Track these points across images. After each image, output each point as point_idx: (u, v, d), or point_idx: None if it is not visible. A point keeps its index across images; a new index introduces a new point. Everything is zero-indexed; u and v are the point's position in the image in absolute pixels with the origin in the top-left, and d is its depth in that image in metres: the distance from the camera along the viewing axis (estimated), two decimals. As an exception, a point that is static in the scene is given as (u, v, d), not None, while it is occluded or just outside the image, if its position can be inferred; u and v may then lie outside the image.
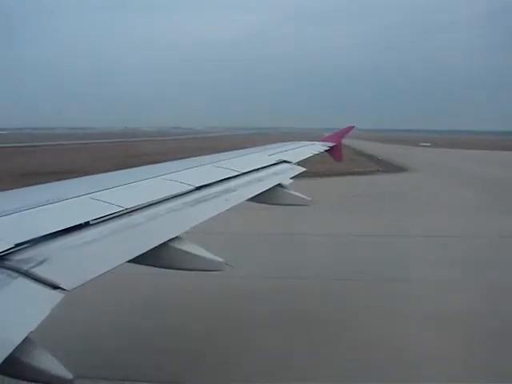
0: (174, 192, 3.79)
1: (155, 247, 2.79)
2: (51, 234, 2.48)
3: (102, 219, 2.89)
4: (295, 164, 6.61)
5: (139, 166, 5.73)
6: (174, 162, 5.85)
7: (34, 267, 2.13)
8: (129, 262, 2.59)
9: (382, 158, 43.73)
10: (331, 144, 10.04)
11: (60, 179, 4.75)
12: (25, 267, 2.10)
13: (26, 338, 1.74)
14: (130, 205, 3.20)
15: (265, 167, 5.79)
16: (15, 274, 2.04)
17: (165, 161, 6.18)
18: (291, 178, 5.74)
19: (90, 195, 3.28)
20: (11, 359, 1.64)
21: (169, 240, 2.94)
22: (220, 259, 3.12)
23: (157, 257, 2.86)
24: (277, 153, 7.20)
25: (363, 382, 6.21)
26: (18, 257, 2.18)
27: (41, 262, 2.19)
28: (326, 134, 11.96)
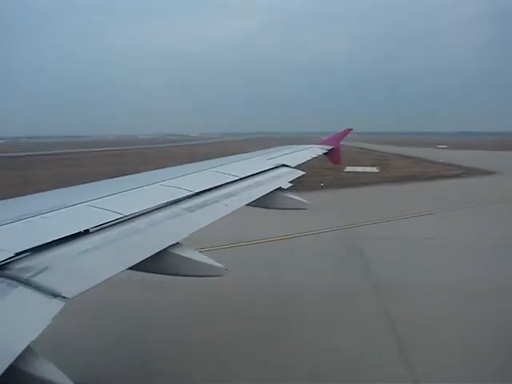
0: (174, 198, 3.78)
1: (155, 254, 2.78)
2: (51, 242, 2.48)
3: (101, 227, 2.89)
4: (294, 168, 6.62)
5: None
6: (173, 168, 5.84)
7: (34, 276, 2.12)
8: (129, 269, 2.59)
9: (442, 161, 41.85)
10: (329, 147, 10.06)
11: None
12: (25, 276, 2.10)
13: (28, 347, 1.73)
14: (129, 212, 3.19)
15: (264, 171, 5.79)
16: (16, 283, 2.03)
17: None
18: (290, 181, 5.74)
19: (89, 203, 3.27)
20: (13, 369, 1.63)
21: (169, 246, 2.93)
22: (220, 265, 3.12)
23: (157, 263, 2.85)
24: (275, 157, 7.21)
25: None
26: (18, 265, 2.18)
27: (41, 271, 2.18)
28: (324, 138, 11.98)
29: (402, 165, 39.82)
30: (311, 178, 27.90)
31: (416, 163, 41.73)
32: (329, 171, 30.57)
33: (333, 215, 17.78)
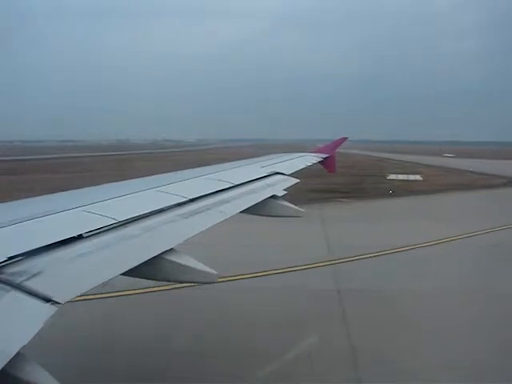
0: (168, 204, 3.79)
1: (149, 259, 2.78)
2: (44, 246, 2.47)
3: (95, 232, 2.89)
4: (289, 175, 6.64)
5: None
6: (167, 174, 5.86)
7: (26, 280, 2.12)
8: (122, 274, 2.59)
9: (473, 170, 40.04)
10: (324, 155, 10.10)
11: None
12: (17, 280, 2.09)
13: (19, 352, 1.73)
14: (123, 217, 3.19)
15: (258, 179, 5.81)
16: (8, 287, 2.03)
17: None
18: (284, 189, 5.76)
19: (83, 208, 3.27)
20: (3, 374, 1.62)
21: (163, 252, 2.93)
22: (213, 271, 3.12)
23: (151, 269, 2.85)
24: (270, 164, 7.24)
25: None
26: (10, 270, 2.17)
27: (34, 275, 2.18)
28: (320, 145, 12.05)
29: (434, 173, 38.49)
30: (361, 186, 28.13)
31: (447, 172, 40.04)
32: (374, 179, 31.15)
33: (447, 221, 16.90)
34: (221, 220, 3.90)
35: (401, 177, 34.08)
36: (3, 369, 1.61)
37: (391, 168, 44.21)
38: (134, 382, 6.11)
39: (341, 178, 32.35)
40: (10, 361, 1.65)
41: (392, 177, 33.38)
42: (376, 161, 57.13)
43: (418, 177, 34.92)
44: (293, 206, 5.42)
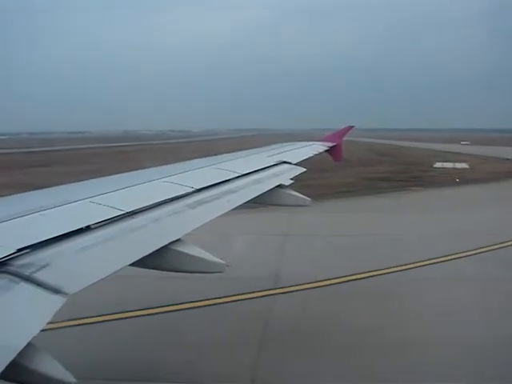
0: (175, 194, 3.80)
1: (157, 250, 2.79)
2: (52, 238, 2.49)
3: (102, 223, 2.90)
4: (295, 165, 6.62)
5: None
6: (173, 165, 5.86)
7: (35, 272, 2.13)
8: (130, 265, 2.60)
9: (510, 158, 37.60)
10: (331, 144, 10.05)
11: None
12: (27, 272, 2.11)
13: (29, 343, 1.75)
14: (130, 208, 3.20)
15: (265, 168, 5.80)
16: (17, 279, 2.05)
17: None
18: (291, 178, 5.75)
19: (90, 199, 3.29)
20: (14, 365, 1.64)
21: (170, 243, 2.95)
22: (221, 261, 3.13)
23: (158, 260, 2.87)
24: (276, 154, 7.21)
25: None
26: (19, 262, 2.19)
27: (42, 267, 2.20)
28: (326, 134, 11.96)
29: (475, 161, 36.26)
30: (413, 174, 26.96)
31: (485, 160, 37.77)
32: (420, 167, 30.26)
33: None
34: (227, 210, 3.91)
35: (447, 165, 32.78)
36: (14, 359, 1.63)
37: (422, 156, 42.77)
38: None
39: (383, 166, 31.75)
40: (20, 351, 1.67)
41: (438, 165, 32.27)
42: (399, 149, 54.69)
43: (464, 165, 33.22)
44: (299, 194, 5.41)
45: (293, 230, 13.78)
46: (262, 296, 8.69)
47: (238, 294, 8.49)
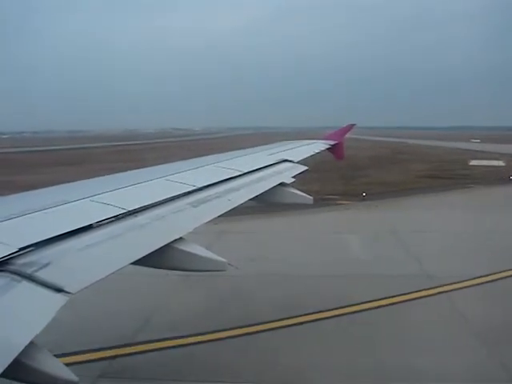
0: (177, 193, 3.79)
1: (158, 249, 2.79)
2: (54, 237, 2.49)
3: (104, 222, 2.90)
4: (297, 163, 6.61)
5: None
6: (175, 163, 5.85)
7: (37, 271, 2.13)
8: (132, 264, 2.60)
9: None
10: (333, 142, 10.02)
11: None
12: (28, 271, 2.11)
13: (31, 341, 1.74)
14: (132, 206, 3.20)
15: (266, 166, 5.79)
16: (19, 278, 2.04)
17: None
18: (293, 176, 5.73)
19: (92, 198, 3.28)
20: (16, 363, 1.64)
21: (172, 241, 2.94)
22: (223, 259, 3.12)
23: (160, 258, 2.86)
24: (278, 152, 7.19)
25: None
26: (21, 260, 2.19)
27: (44, 266, 2.19)
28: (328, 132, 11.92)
29: (503, 159, 35.59)
30: (457, 172, 26.51)
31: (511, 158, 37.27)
32: (458, 165, 30.14)
33: None
34: (230, 208, 3.90)
35: (483, 162, 32.35)
36: (16, 358, 1.63)
37: (446, 154, 42.26)
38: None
39: (420, 165, 31.20)
40: (22, 350, 1.67)
41: (474, 163, 31.78)
42: (415, 147, 53.78)
43: (500, 162, 32.81)
44: (301, 193, 5.39)
45: (402, 227, 13.99)
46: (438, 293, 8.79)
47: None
